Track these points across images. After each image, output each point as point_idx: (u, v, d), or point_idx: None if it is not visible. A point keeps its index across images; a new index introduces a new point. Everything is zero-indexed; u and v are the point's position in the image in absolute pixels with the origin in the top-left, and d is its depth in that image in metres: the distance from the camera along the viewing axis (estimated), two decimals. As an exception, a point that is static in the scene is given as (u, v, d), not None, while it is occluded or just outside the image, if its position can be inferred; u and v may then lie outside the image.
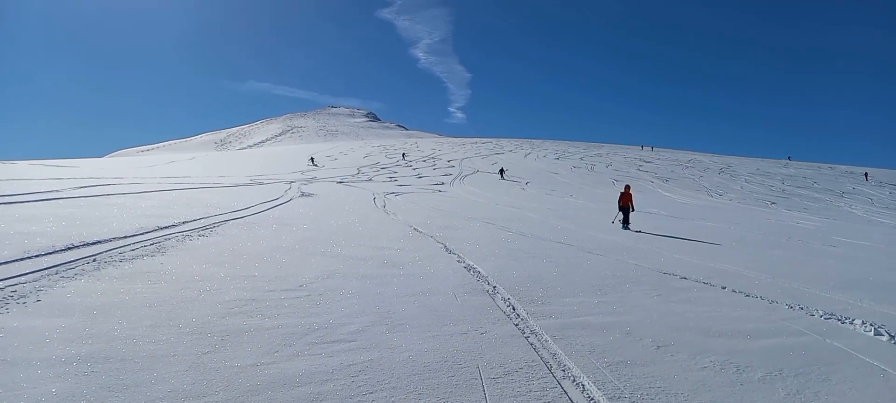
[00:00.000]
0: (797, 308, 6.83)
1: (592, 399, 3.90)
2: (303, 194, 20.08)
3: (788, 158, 66.68)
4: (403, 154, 29.09)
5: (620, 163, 54.68)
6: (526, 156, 56.01)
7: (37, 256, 6.77)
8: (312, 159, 44.09)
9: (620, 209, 16.35)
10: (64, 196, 12.96)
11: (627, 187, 16.82)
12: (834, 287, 8.36)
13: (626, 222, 16.09)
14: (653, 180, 42.96)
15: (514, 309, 6.12)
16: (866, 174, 56.62)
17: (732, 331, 5.69)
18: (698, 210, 25.32)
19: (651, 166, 52.88)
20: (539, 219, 16.66)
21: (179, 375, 3.88)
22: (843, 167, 64.65)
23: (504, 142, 77.41)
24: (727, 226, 17.99)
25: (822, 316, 6.45)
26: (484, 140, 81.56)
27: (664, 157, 62.75)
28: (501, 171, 40.28)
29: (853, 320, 6.30)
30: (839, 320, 6.32)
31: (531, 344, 4.96)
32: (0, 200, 11.04)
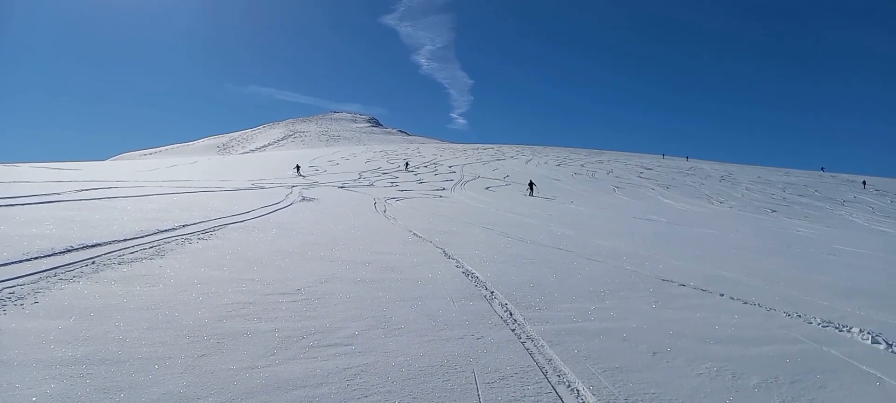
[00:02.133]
0: (795, 315, 6.84)
1: (586, 404, 3.91)
2: (304, 199, 20.10)
3: (822, 170, 62.47)
4: (406, 163, 28.98)
5: (621, 170, 54.66)
6: (527, 163, 56.00)
7: (36, 258, 6.78)
8: (298, 168, 39.00)
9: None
10: (65, 198, 12.99)
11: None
12: (833, 295, 8.36)
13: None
14: (653, 187, 42.93)
15: (511, 314, 6.13)
16: (864, 182, 56.47)
17: (729, 338, 5.69)
18: (698, 217, 25.30)
19: (652, 173, 52.86)
20: (538, 225, 16.66)
21: (175, 377, 3.89)
22: (844, 175, 64.53)
23: (505, 148, 77.39)
24: (727, 234, 17.98)
25: (819, 324, 6.46)
26: (485, 146, 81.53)
27: (665, 165, 62.71)
28: (531, 185, 34.46)
29: (851, 328, 6.31)
30: (837, 328, 6.33)
31: (527, 350, 4.97)
32: (1, 202, 11.07)
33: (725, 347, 5.40)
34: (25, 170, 15.70)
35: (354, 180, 33.48)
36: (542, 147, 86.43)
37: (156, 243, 8.55)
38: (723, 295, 7.83)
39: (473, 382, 4.17)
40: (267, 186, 25.00)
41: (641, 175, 51.30)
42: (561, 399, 3.96)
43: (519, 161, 57.58)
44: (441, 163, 50.86)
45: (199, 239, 9.35)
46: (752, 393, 4.28)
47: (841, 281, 9.88)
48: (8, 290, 5.49)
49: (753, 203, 37.16)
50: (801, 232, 21.68)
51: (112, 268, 6.80)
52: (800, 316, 6.80)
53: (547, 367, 4.56)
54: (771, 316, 6.80)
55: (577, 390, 4.13)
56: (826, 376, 4.74)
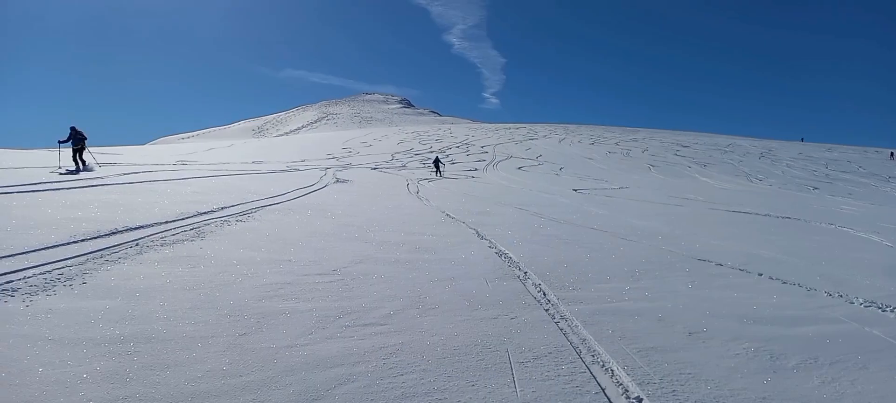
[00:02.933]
0: (837, 295, 6.68)
1: (621, 384, 3.91)
2: (337, 180, 20.32)
3: (892, 153, 57.03)
4: (436, 161, 26.87)
5: (657, 147, 53.79)
6: (560, 142, 55.50)
7: (83, 240, 7.03)
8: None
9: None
10: (108, 182, 13.38)
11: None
12: (877, 274, 8.14)
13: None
14: (690, 165, 42.16)
15: (544, 294, 6.14)
16: (892, 153, 54.43)
17: (768, 318, 5.60)
18: (736, 195, 24.79)
19: (688, 151, 51.88)
20: (572, 205, 16.55)
21: (217, 355, 4.02)
22: (889, 150, 62.27)
23: (538, 127, 76.74)
24: (766, 212, 17.58)
25: (862, 304, 6.30)
26: (518, 125, 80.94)
27: (702, 142, 61.43)
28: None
29: (895, 308, 6.14)
30: (880, 308, 6.17)
31: (561, 329, 4.98)
32: (48, 187, 11.47)
33: (764, 327, 5.31)
34: (69, 155, 16.29)
35: (387, 162, 33.68)
36: (575, 125, 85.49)
37: (196, 225, 8.77)
38: (761, 274, 7.70)
39: (508, 361, 4.20)
40: (302, 168, 25.33)
41: (678, 153, 50.40)
42: (595, 378, 3.97)
43: (552, 140, 57.11)
44: (473, 143, 50.75)
45: (237, 220, 9.56)
46: (791, 374, 4.22)
47: (885, 259, 9.61)
48: (58, 271, 5.72)
49: (794, 180, 36.22)
50: (845, 209, 21.07)
51: (155, 250, 7.02)
52: (841, 296, 6.64)
53: (581, 347, 4.57)
54: (811, 295, 6.66)
55: (612, 370, 4.13)
56: (868, 357, 4.64)
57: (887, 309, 6.13)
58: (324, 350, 4.23)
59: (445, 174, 28.63)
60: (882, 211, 21.23)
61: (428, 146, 46.77)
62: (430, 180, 23.44)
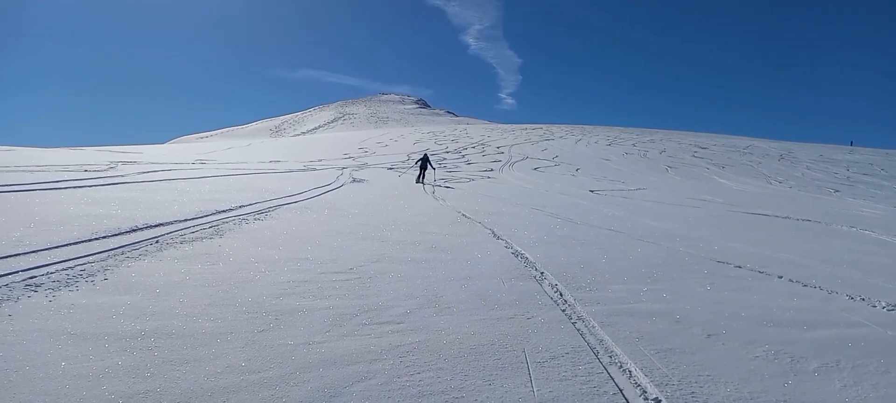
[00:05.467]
0: (858, 298, 6.59)
1: (639, 385, 3.89)
2: (354, 180, 20.41)
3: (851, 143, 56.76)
4: (424, 159, 21.60)
5: (674, 149, 53.28)
6: (577, 143, 55.17)
7: (104, 237, 7.13)
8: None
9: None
10: (128, 180, 13.55)
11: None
12: (899, 278, 8.00)
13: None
14: (708, 167, 41.73)
15: (561, 294, 6.12)
16: None
17: (787, 321, 5.55)
18: (755, 197, 24.51)
19: (707, 152, 51.34)
20: (588, 206, 16.47)
21: (236, 351, 4.06)
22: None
23: (554, 128, 76.33)
24: (785, 215, 17.37)
25: (884, 307, 6.21)
26: (534, 126, 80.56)
27: (720, 143, 60.77)
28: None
29: (919, 312, 6.04)
30: (903, 312, 6.07)
31: (578, 330, 4.97)
32: (70, 184, 11.65)
33: (783, 330, 5.26)
34: (91, 154, 16.51)
35: (403, 162, 33.74)
36: (591, 126, 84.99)
37: (214, 223, 8.85)
38: (781, 277, 7.61)
39: (524, 361, 4.20)
40: (319, 168, 25.46)
41: (695, 154, 49.91)
42: (613, 379, 3.96)
43: (568, 141, 56.84)
44: (489, 143, 50.66)
45: (255, 219, 9.64)
46: (811, 377, 4.17)
47: (909, 263, 9.45)
48: (80, 267, 5.80)
49: (814, 182, 35.74)
50: (866, 212, 20.75)
51: (174, 247, 7.10)
52: (863, 299, 6.55)
53: (598, 348, 4.55)
54: (831, 298, 6.58)
55: (630, 371, 4.11)
56: (890, 360, 4.57)
57: (910, 313, 6.03)
58: (341, 348, 4.25)
59: (433, 181, 22.18)
60: (905, 215, 20.87)
61: (444, 146, 46.76)
62: (446, 181, 23.36)
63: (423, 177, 22.39)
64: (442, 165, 32.12)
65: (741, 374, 4.15)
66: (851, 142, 68.26)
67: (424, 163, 23.23)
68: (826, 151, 57.96)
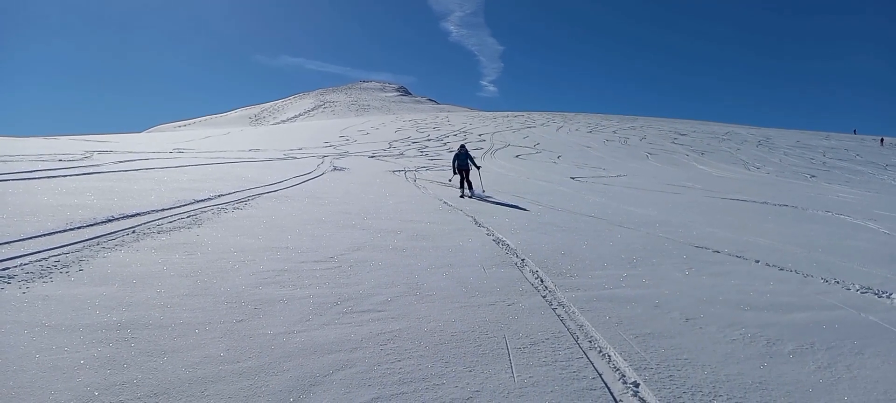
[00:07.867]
0: (833, 281, 6.70)
1: (618, 369, 3.92)
2: (335, 168, 20.29)
3: (854, 131, 57.28)
4: (461, 157, 16.87)
5: (655, 135, 53.69)
6: (558, 130, 55.35)
7: (79, 228, 7.02)
8: None
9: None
10: (104, 170, 13.34)
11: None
12: (872, 261, 8.15)
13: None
14: (688, 153, 42.13)
15: (542, 281, 6.15)
16: (882, 140, 54.74)
17: (764, 305, 5.62)
18: (734, 183, 24.80)
19: (686, 139, 51.82)
20: (569, 193, 16.55)
21: (215, 341, 4.02)
22: (889, 139, 62.31)
23: (536, 115, 76.48)
24: (763, 200, 17.60)
25: (858, 290, 6.32)
26: (516, 114, 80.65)
27: (700, 130, 61.37)
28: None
29: (891, 294, 6.16)
30: (876, 294, 6.18)
31: (558, 316, 4.99)
32: (45, 174, 11.43)
33: (760, 313, 5.33)
34: (66, 143, 16.20)
35: (384, 150, 33.60)
36: (573, 113, 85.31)
37: (193, 213, 8.75)
38: (758, 261, 7.71)
39: (505, 347, 4.21)
40: (299, 156, 25.27)
41: (675, 141, 50.37)
42: (592, 364, 3.98)
43: (549, 128, 57.01)
44: (471, 131, 50.64)
45: (234, 208, 9.54)
46: (787, 359, 4.24)
47: (881, 247, 9.62)
48: (54, 258, 5.71)
49: (791, 168, 36.25)
50: (841, 196, 21.10)
51: (152, 237, 7.01)
52: (837, 282, 6.66)
53: (578, 333, 4.58)
54: (807, 282, 6.68)
55: (609, 355, 4.14)
56: (864, 342, 4.66)
57: (883, 294, 6.15)
58: (321, 337, 4.23)
59: (482, 189, 15.25)
60: (879, 199, 21.27)
61: (426, 134, 46.66)
62: (428, 168, 23.27)
63: (469, 185, 14.49)
64: (423, 153, 32.08)
65: (718, 357, 4.20)
66: (854, 131, 69.89)
67: (463, 160, 14.71)
68: (803, 138, 58.85)
